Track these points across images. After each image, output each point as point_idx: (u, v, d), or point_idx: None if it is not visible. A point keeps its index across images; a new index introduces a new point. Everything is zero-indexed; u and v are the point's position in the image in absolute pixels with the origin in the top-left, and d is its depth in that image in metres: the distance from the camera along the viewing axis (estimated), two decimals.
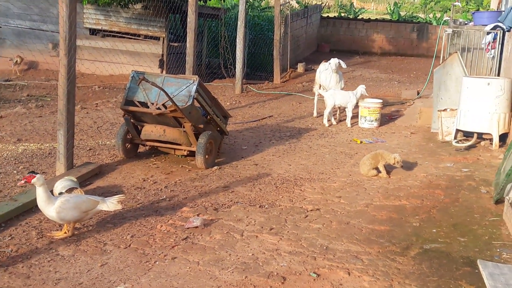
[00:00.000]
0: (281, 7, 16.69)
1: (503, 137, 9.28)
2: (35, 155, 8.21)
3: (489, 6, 18.32)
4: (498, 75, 10.90)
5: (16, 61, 16.46)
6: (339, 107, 11.36)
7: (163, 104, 7.58)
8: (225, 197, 6.81)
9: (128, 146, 8.16)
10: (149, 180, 7.34)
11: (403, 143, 9.80)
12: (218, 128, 8.43)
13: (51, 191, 5.89)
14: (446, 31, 11.91)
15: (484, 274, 5.02)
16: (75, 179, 6.49)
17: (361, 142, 9.83)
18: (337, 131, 10.74)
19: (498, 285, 4.83)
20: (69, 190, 6.04)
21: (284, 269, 5.02)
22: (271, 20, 18.60)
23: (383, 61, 22.05)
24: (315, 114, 11.88)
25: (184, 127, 7.74)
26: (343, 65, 11.45)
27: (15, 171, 7.40)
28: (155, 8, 15.86)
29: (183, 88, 7.66)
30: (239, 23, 14.31)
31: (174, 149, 8.11)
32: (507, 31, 9.94)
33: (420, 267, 5.17)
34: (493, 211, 6.61)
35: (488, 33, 10.72)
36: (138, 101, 7.78)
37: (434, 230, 6.03)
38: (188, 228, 5.80)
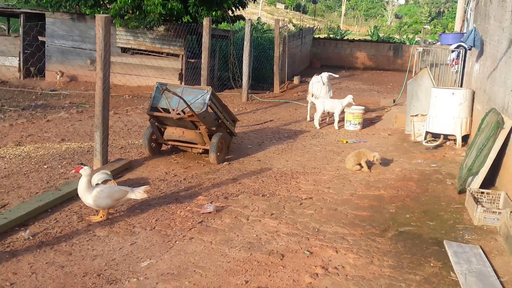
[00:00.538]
0: (280, 30, 16.66)
1: (465, 138, 9.28)
2: (76, 152, 8.22)
3: (453, 29, 18.29)
4: (461, 86, 10.89)
5: (59, 74, 16.62)
6: (328, 112, 11.36)
7: (182, 110, 7.58)
8: (234, 188, 6.81)
9: (153, 145, 8.16)
10: (170, 173, 7.35)
11: (381, 143, 9.79)
12: (228, 130, 8.42)
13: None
14: (418, 49, 11.89)
15: (449, 252, 5.02)
16: (109, 172, 6.49)
17: (346, 142, 9.83)
18: (326, 132, 10.73)
19: (461, 261, 4.84)
20: (104, 182, 6.05)
21: (282, 248, 5.03)
22: (272, 40, 18.56)
23: (365, 75, 22.02)
24: (308, 119, 11.86)
25: (199, 129, 7.75)
26: (335, 75, 11.41)
27: (59, 166, 7.41)
28: (176, 30, 15.86)
29: (199, 97, 7.66)
30: (245, 43, 14.30)
31: (191, 147, 8.11)
32: (468, 49, 9.92)
33: (396, 246, 5.17)
34: (456, 200, 6.62)
35: (452, 51, 10.70)
36: (161, 108, 7.79)
37: (408, 216, 6.03)
38: (203, 213, 5.81)
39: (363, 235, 5.42)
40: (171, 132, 7.93)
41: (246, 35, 14.33)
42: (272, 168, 7.83)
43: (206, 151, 8.00)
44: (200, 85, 11.96)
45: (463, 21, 13.92)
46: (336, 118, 11.02)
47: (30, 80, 17.34)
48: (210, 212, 5.82)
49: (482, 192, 6.32)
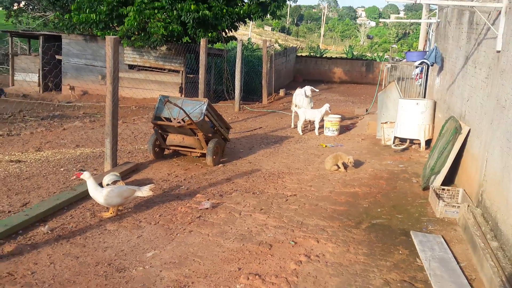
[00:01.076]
0: (267, 49, 16.68)
1: (428, 142, 9.33)
2: (89, 157, 8.17)
3: (417, 48, 18.44)
4: (424, 97, 10.95)
5: (70, 88, 16.72)
6: (309, 121, 11.38)
7: (182, 119, 7.56)
8: (228, 187, 6.80)
9: (157, 150, 8.12)
10: (172, 175, 7.32)
11: (356, 147, 9.82)
12: (222, 136, 8.40)
13: (101, 183, 5.87)
14: (386, 65, 11.95)
15: (415, 241, 5.05)
16: (118, 174, 6.47)
17: (325, 146, 9.84)
18: (308, 138, 10.74)
19: (425, 249, 4.86)
20: (114, 182, 6.03)
21: (270, 239, 5.02)
22: (260, 58, 18.60)
23: (341, 88, 22.09)
24: (292, 126, 11.86)
25: (197, 136, 7.73)
26: (315, 89, 11.43)
27: (74, 169, 7.35)
28: (176, 50, 15.84)
29: (197, 107, 7.64)
30: (237, 60, 14.29)
31: (191, 152, 8.09)
32: (431, 65, 9.99)
33: (369, 236, 5.19)
34: (421, 196, 6.65)
35: (416, 67, 10.76)
36: (164, 117, 7.76)
37: (379, 210, 6.05)
38: (200, 209, 5.79)
39: (340, 227, 5.43)
40: (173, 138, 7.91)
41: (238, 53, 14.33)
42: (261, 169, 7.83)
43: (203, 155, 7.99)
44: (198, 97, 11.93)
45: (426, 40, 14.02)
46: (316, 126, 11.04)
47: (48, 94, 17.30)
48: (207, 208, 5.80)
49: (443, 189, 6.36)
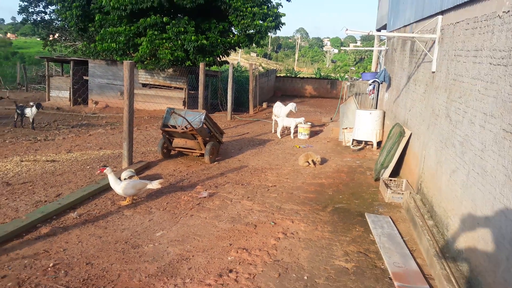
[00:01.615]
0: (253, 71, 16.67)
1: (379, 143, 9.42)
2: (110, 157, 8.08)
3: (371, 69, 18.64)
4: (376, 108, 11.03)
5: (94, 102, 16.60)
6: (286, 127, 11.40)
7: (185, 126, 7.53)
8: (221, 180, 6.78)
9: (165, 151, 8.07)
10: (177, 170, 7.28)
11: (323, 147, 9.87)
12: (217, 140, 8.38)
13: (119, 178, 5.81)
14: (346, 83, 12.06)
15: (369, 221, 5.09)
16: (133, 170, 6.41)
17: (299, 147, 9.87)
18: (285, 141, 10.76)
19: (376, 227, 4.90)
20: (130, 177, 5.96)
21: (255, 220, 5.02)
22: (247, 78, 18.59)
23: (311, 101, 22.18)
24: (273, 131, 11.87)
25: (197, 139, 7.70)
26: (294, 110, 11.31)
27: (98, 166, 7.27)
28: (180, 71, 15.79)
29: (197, 117, 7.62)
30: (229, 79, 14.25)
31: (192, 152, 8.04)
32: (381, 83, 10.09)
33: (333, 217, 5.22)
34: (373, 185, 6.71)
35: (370, 84, 10.87)
36: (170, 125, 7.71)
37: (341, 196, 6.09)
38: (200, 198, 5.77)
39: (310, 210, 5.45)
40: (177, 142, 7.88)
41: (229, 74, 14.31)
42: (248, 166, 7.82)
43: (202, 155, 7.97)
44: (197, 109, 11.90)
45: (377, 64, 14.17)
46: (292, 131, 11.06)
47: (77, 107, 17.12)
48: (205, 197, 5.78)
49: (391, 180, 6.43)
